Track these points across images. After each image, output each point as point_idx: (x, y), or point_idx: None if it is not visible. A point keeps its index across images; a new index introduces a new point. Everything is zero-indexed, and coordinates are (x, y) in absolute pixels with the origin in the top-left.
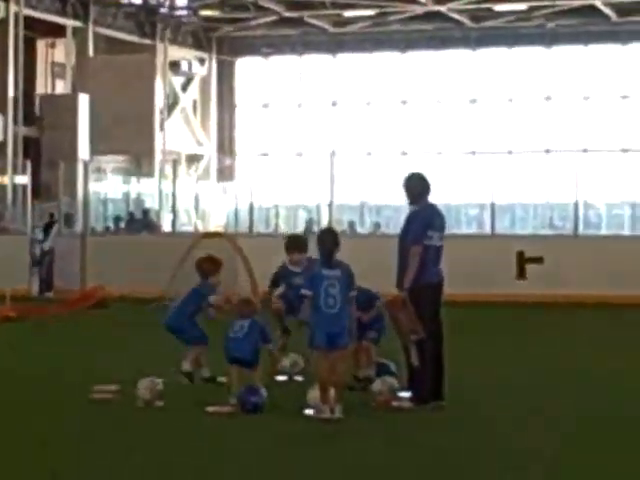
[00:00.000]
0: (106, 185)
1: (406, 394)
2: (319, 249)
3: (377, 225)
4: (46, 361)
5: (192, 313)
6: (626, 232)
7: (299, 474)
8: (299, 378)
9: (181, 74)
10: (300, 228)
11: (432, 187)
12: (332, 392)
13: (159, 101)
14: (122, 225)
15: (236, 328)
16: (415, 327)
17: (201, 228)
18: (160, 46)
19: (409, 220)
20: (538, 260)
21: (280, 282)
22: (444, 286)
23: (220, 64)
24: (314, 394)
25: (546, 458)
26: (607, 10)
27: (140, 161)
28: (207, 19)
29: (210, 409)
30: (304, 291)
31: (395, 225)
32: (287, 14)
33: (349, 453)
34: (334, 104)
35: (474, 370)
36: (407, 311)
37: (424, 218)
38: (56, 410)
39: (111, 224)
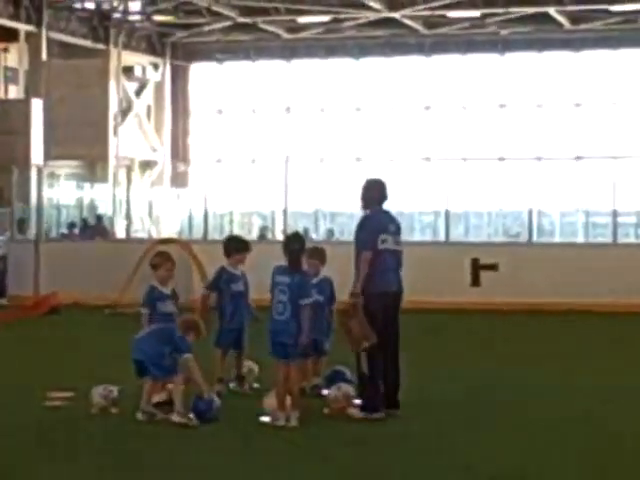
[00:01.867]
0: (59, 191)
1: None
2: (286, 254)
3: (331, 232)
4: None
5: None
6: (579, 240)
7: None
8: (255, 385)
9: (135, 79)
10: (254, 235)
11: (389, 195)
12: (288, 400)
13: (113, 106)
14: (76, 231)
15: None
16: (367, 333)
17: (155, 234)
18: (114, 51)
19: (360, 226)
20: (492, 267)
21: (219, 286)
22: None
23: (174, 69)
24: (270, 401)
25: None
26: (560, 18)
27: (94, 167)
28: (161, 24)
29: (161, 416)
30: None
31: (349, 232)
32: (241, 20)
33: (305, 463)
34: (288, 110)
35: (427, 378)
36: (359, 318)
37: (375, 223)
38: (8, 417)
39: (65, 230)
